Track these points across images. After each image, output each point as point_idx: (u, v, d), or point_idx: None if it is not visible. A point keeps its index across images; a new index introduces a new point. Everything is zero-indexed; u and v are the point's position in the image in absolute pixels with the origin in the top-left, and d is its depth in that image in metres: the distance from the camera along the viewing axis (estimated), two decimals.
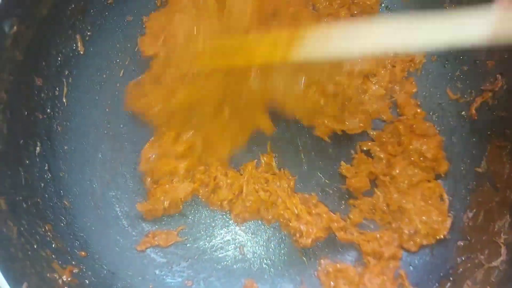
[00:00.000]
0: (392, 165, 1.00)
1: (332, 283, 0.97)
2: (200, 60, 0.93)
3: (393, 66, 1.05)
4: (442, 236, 0.97)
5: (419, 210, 0.97)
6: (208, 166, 1.02)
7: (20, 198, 0.88)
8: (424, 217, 0.97)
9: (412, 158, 0.99)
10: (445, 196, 0.99)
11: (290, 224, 0.99)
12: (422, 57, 1.07)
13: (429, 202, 0.98)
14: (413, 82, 1.06)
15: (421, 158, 0.99)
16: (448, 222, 0.97)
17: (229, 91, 0.96)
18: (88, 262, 0.95)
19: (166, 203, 0.98)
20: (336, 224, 0.99)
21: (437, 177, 1.01)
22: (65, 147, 1.02)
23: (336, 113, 1.01)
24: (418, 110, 1.04)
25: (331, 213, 1.00)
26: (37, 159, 0.96)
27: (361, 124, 1.01)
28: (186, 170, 1.00)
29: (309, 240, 0.97)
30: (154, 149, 1.01)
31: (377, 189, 1.02)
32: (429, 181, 1.00)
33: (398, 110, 1.06)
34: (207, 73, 0.94)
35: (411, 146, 0.99)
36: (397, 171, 1.00)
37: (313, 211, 1.00)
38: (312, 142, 1.05)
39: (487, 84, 0.98)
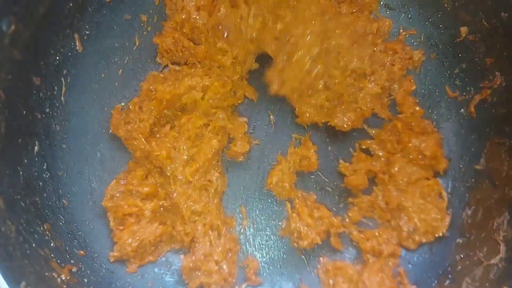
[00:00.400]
0: (391, 163, 1.00)
1: (331, 281, 0.97)
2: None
3: (392, 65, 1.05)
4: (441, 234, 0.97)
5: (418, 208, 0.97)
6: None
7: (19, 197, 0.88)
8: (423, 215, 0.97)
9: (410, 156, 0.99)
10: (444, 194, 0.99)
11: (291, 224, 0.99)
12: (421, 55, 1.07)
13: (428, 199, 0.98)
14: (412, 80, 1.06)
15: (419, 156, 0.99)
16: (447, 220, 0.97)
17: None
18: (87, 261, 0.96)
19: (134, 245, 0.95)
20: (335, 229, 0.99)
21: (436, 174, 1.01)
22: (64, 146, 1.02)
23: (323, 104, 1.01)
24: (417, 108, 1.04)
25: (333, 218, 0.99)
26: (36, 158, 0.96)
27: (349, 123, 1.01)
28: (152, 212, 0.98)
29: (306, 243, 0.97)
30: (119, 187, 1.00)
31: (376, 187, 1.02)
32: (428, 178, 1.00)
33: (397, 108, 1.05)
34: None
35: (410, 144, 0.99)
36: (396, 169, 1.00)
37: (315, 214, 0.99)
38: (312, 140, 1.05)
39: (486, 82, 0.98)
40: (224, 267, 0.97)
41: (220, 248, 0.97)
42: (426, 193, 0.99)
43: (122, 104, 1.05)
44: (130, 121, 1.01)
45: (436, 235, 0.97)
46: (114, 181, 1.00)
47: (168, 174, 0.99)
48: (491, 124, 0.97)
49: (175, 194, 0.98)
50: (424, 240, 0.97)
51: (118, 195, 0.99)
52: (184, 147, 0.99)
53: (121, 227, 0.97)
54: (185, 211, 0.98)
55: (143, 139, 0.99)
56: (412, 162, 1.00)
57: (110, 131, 1.03)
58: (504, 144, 0.93)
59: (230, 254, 0.99)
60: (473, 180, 0.99)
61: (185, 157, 0.99)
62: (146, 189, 0.98)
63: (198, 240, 0.98)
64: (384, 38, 1.08)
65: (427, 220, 0.97)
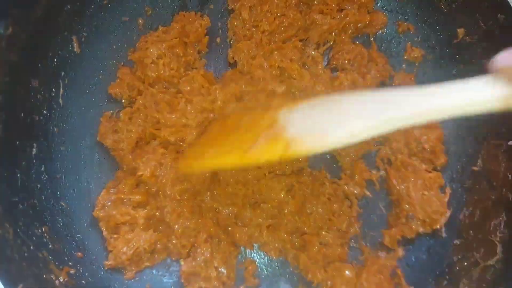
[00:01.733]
0: (394, 152, 1.02)
1: (329, 282, 0.97)
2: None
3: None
4: (438, 227, 0.97)
5: (419, 198, 0.97)
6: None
7: (17, 199, 0.88)
8: (423, 205, 0.97)
9: (411, 147, 1.00)
10: (447, 188, 0.99)
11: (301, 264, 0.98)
12: (420, 54, 1.06)
13: (431, 192, 0.98)
14: (412, 79, 1.06)
15: (418, 148, 1.00)
16: (447, 214, 0.97)
17: None
18: (85, 263, 0.96)
19: (129, 253, 0.94)
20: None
21: (434, 170, 1.01)
22: (62, 149, 1.02)
23: None
24: None
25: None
26: (34, 161, 0.96)
27: None
28: (145, 219, 0.96)
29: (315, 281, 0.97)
30: (110, 196, 0.98)
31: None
32: (429, 171, 1.00)
33: None
34: None
35: (411, 134, 1.00)
36: (399, 157, 1.01)
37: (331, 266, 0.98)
38: None
39: None
40: (224, 271, 0.96)
41: (220, 254, 0.97)
42: (428, 185, 0.98)
43: (111, 111, 1.05)
44: (118, 130, 1.01)
45: (434, 228, 0.97)
46: (104, 190, 0.99)
47: (153, 189, 0.98)
48: (488, 125, 0.97)
49: (165, 210, 0.97)
50: (421, 230, 0.97)
51: (109, 203, 0.97)
52: (171, 164, 0.98)
53: (115, 236, 0.96)
54: (177, 230, 0.96)
55: (129, 155, 0.99)
56: (413, 154, 1.00)
57: (98, 139, 1.02)
58: (501, 146, 0.93)
59: (229, 258, 0.99)
60: (470, 181, 0.99)
61: (172, 174, 0.97)
62: (137, 197, 0.97)
63: (199, 245, 0.97)
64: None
65: (427, 211, 0.96)
